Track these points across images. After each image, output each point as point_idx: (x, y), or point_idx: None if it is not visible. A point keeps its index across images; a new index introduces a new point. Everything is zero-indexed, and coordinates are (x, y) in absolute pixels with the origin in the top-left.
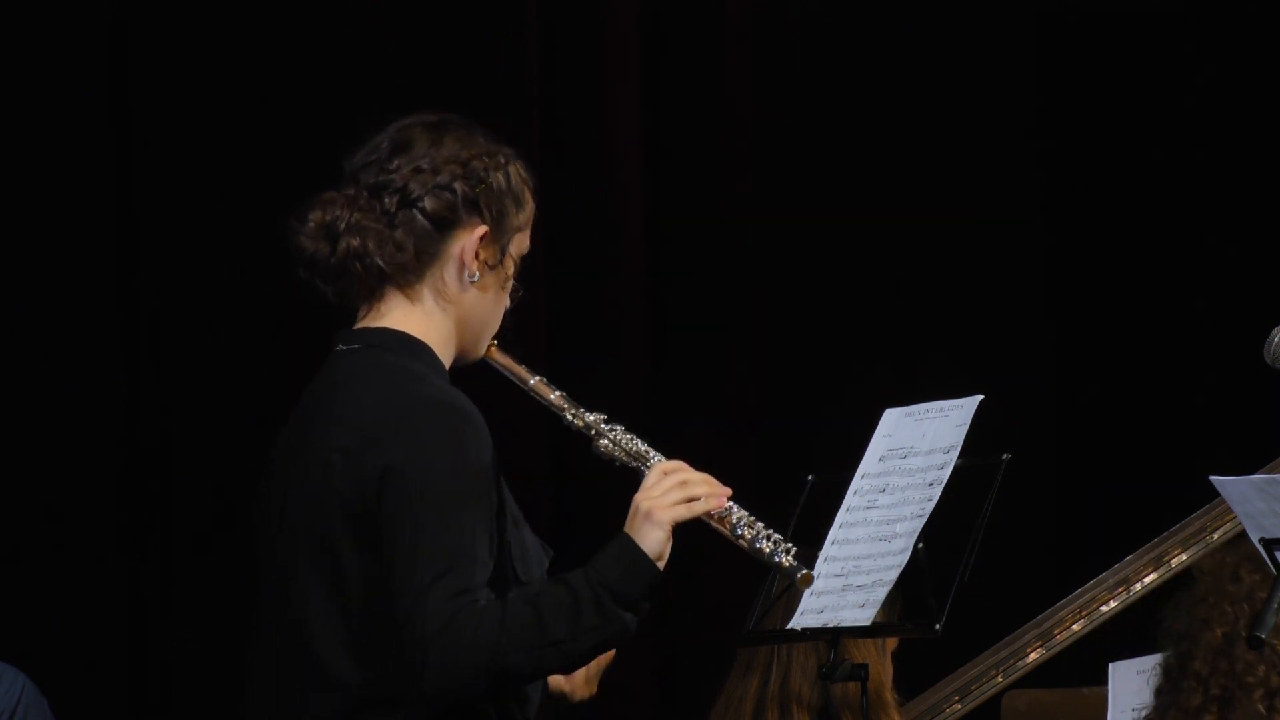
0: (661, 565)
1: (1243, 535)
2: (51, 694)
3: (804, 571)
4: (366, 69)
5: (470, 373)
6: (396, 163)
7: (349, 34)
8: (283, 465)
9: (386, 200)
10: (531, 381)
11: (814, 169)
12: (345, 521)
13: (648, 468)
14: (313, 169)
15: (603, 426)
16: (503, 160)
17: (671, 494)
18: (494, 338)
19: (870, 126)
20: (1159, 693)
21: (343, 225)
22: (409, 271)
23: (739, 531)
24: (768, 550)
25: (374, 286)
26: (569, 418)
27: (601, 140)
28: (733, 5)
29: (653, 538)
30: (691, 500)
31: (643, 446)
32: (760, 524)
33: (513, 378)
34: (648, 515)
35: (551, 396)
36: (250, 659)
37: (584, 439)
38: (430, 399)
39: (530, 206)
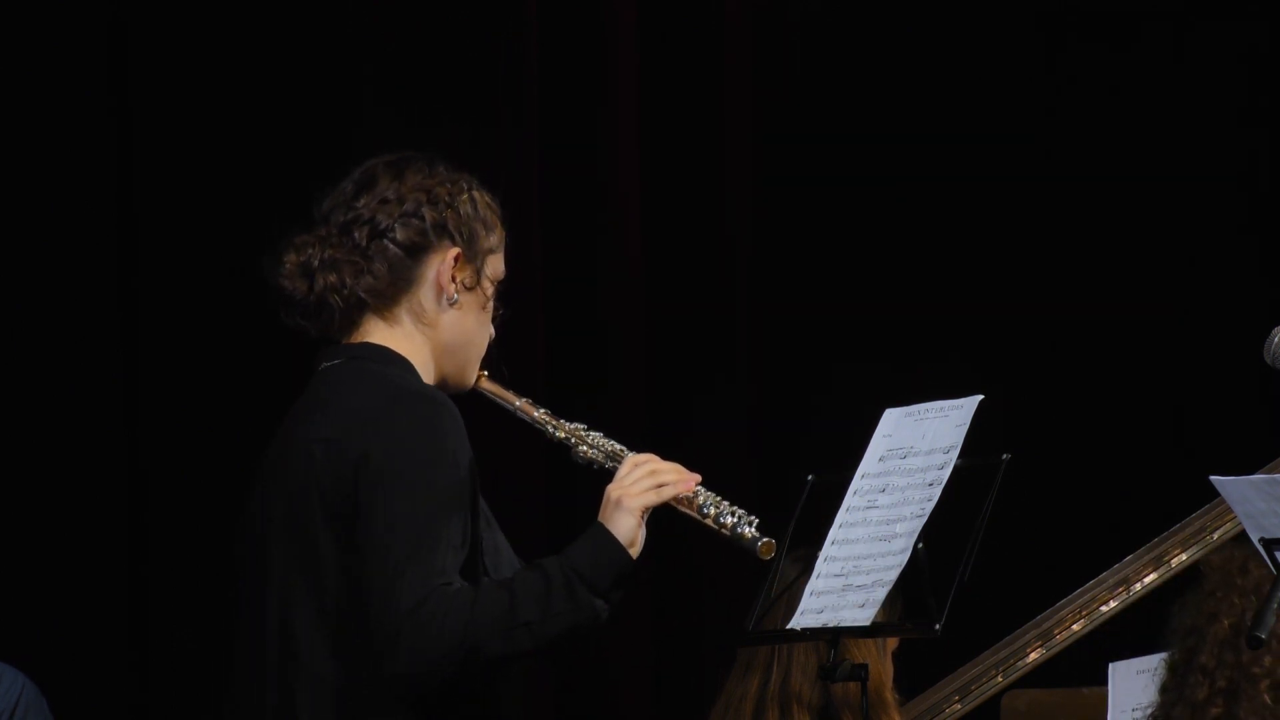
0: (634, 553)
1: (1243, 535)
2: (51, 694)
3: (764, 540)
4: (366, 69)
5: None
6: (363, 199)
7: (349, 34)
8: (268, 471)
9: (357, 235)
10: (518, 403)
11: (813, 169)
12: (326, 514)
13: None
14: (312, 169)
15: (581, 433)
16: (465, 186)
17: (641, 482)
18: (483, 368)
19: (870, 126)
20: (1164, 689)
21: (317, 262)
22: (386, 298)
23: (705, 510)
24: (730, 524)
25: (354, 317)
26: (550, 430)
27: (601, 140)
28: (733, 5)
29: (625, 524)
30: (660, 486)
31: (617, 446)
32: (725, 503)
33: (502, 403)
34: (618, 503)
35: (536, 414)
36: (234, 660)
37: (566, 449)
38: (409, 391)
39: (500, 231)
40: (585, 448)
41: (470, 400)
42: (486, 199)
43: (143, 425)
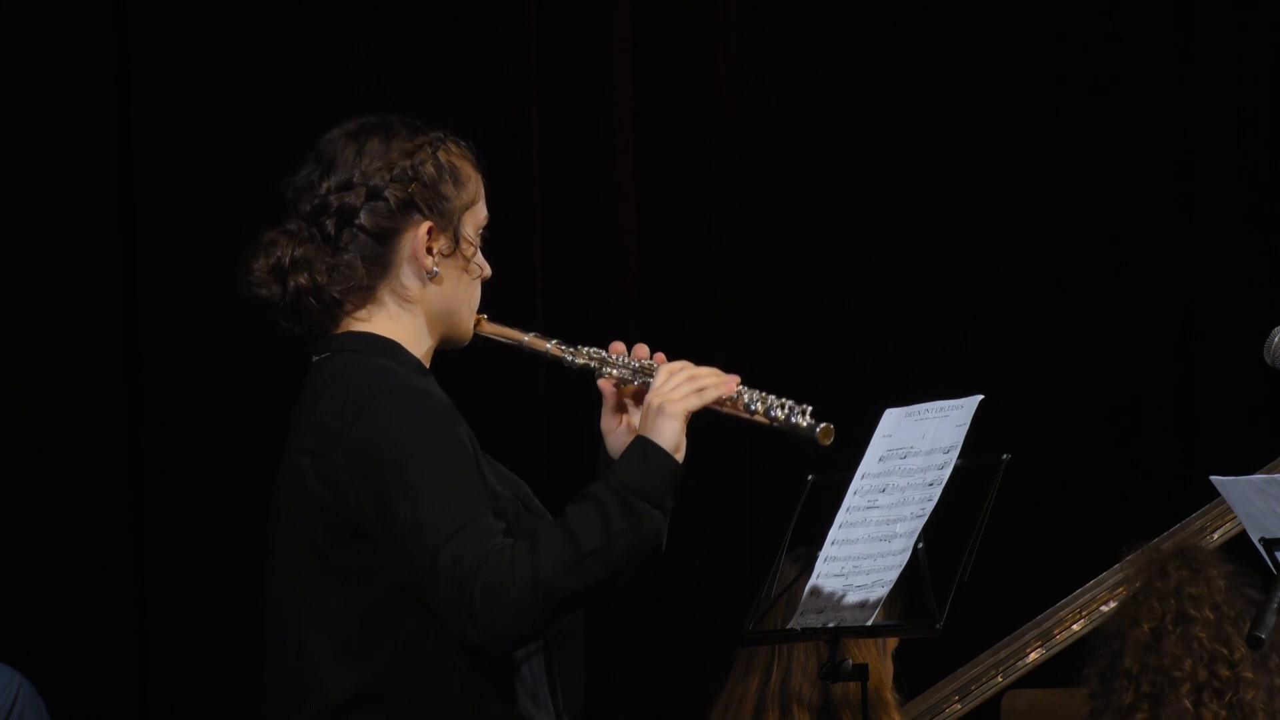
0: (680, 458)
1: (1241, 535)
2: (52, 694)
3: (822, 426)
4: (367, 69)
5: (465, 361)
6: (326, 184)
7: (349, 35)
8: (277, 485)
9: (326, 225)
10: (526, 339)
11: (811, 168)
12: (325, 521)
13: (654, 376)
14: None
15: (603, 356)
16: (430, 148)
17: (682, 387)
18: (481, 311)
19: (868, 126)
20: (1091, 696)
21: (288, 263)
22: (364, 289)
23: (752, 408)
24: (783, 416)
25: (335, 314)
26: (569, 359)
27: (598, 140)
28: (726, 10)
29: (669, 430)
30: (702, 390)
31: (645, 361)
32: (772, 397)
33: (508, 342)
34: (660, 410)
35: (548, 346)
36: (259, 666)
37: (589, 376)
38: (385, 387)
39: (475, 179)
40: (610, 369)
41: (474, 369)
42: (455, 150)
43: (145, 426)
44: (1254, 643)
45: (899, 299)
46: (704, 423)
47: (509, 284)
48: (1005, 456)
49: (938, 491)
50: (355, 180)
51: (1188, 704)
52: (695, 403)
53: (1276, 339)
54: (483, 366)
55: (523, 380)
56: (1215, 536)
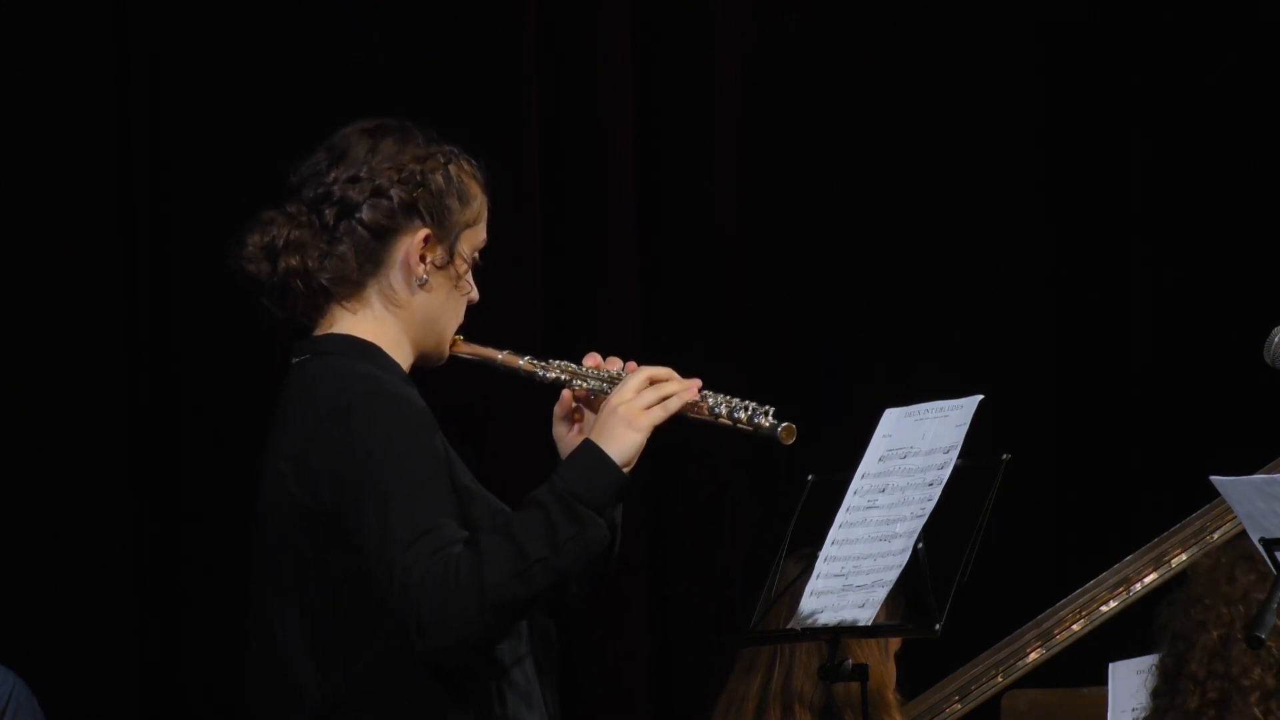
0: (628, 471)
1: (1241, 535)
2: (51, 694)
3: (784, 426)
4: (367, 71)
5: (468, 374)
6: (333, 174)
7: (348, 34)
8: (259, 486)
9: (326, 213)
10: (500, 356)
11: (809, 171)
12: (305, 526)
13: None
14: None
15: (575, 369)
16: (442, 160)
17: (645, 396)
18: (458, 332)
19: (868, 126)
20: (1156, 694)
21: (281, 243)
22: (352, 283)
23: (717, 411)
24: (746, 417)
25: (319, 302)
26: (540, 374)
27: (599, 140)
28: (726, 10)
29: (630, 442)
30: (665, 399)
31: (613, 371)
32: (735, 399)
33: (484, 361)
34: (628, 421)
35: (520, 363)
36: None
37: (562, 389)
38: (365, 392)
39: (480, 200)
40: (581, 381)
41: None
42: (465, 168)
43: (146, 426)
44: (1253, 642)
45: (899, 298)
46: (697, 427)
47: (510, 285)
48: (1005, 456)
49: (938, 491)
50: (363, 175)
51: (1256, 712)
52: (660, 415)
53: (1276, 339)
54: (486, 378)
55: (524, 392)
56: (1215, 537)
